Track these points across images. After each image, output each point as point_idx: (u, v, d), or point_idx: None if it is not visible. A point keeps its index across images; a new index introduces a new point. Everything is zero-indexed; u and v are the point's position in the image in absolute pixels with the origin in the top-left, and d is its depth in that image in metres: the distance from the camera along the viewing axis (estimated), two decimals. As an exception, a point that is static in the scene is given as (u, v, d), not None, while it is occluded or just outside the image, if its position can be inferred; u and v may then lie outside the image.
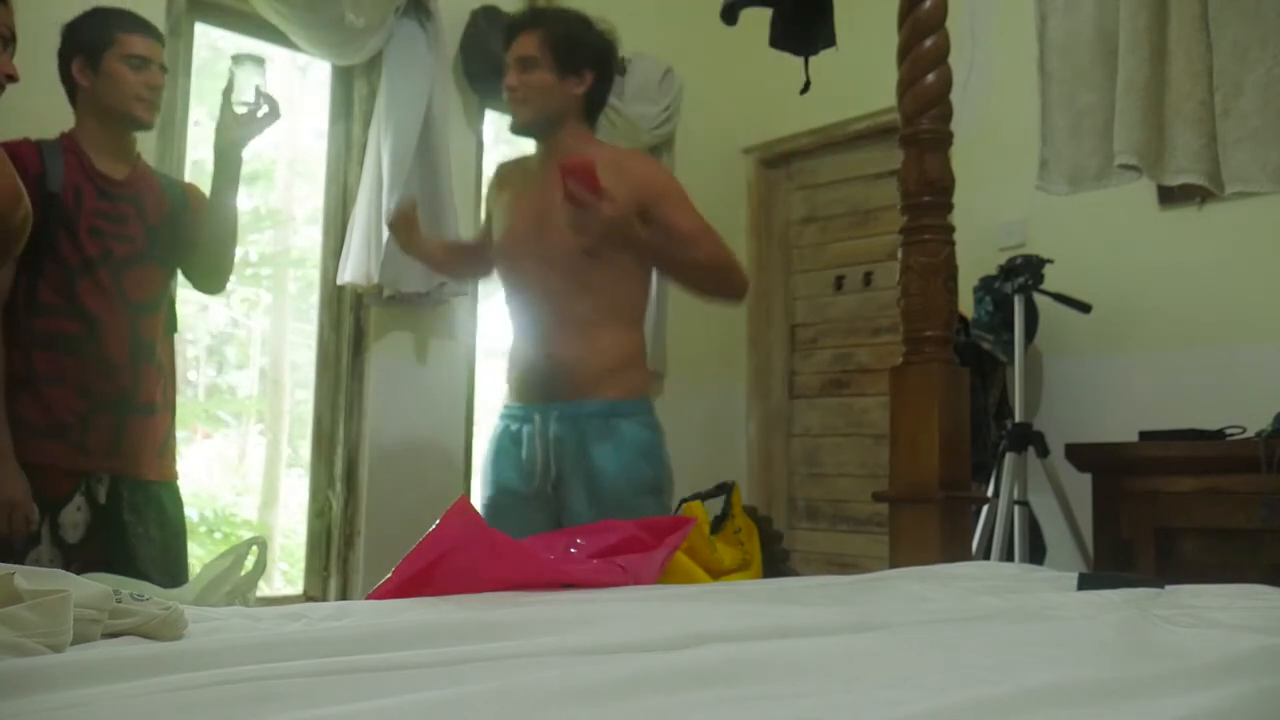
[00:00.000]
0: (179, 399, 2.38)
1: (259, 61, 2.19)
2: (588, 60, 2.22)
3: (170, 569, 2.14)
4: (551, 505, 2.20)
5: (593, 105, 2.29)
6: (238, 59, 2.19)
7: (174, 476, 2.29)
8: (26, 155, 2.04)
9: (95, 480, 2.11)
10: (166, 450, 2.26)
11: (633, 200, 2.11)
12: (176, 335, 2.38)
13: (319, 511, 3.29)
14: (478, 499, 2.32)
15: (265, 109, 2.19)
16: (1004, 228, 3.65)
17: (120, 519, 2.12)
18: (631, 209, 2.09)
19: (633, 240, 2.09)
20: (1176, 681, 0.90)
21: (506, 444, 2.25)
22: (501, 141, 4.30)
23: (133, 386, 2.15)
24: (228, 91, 2.17)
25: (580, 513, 2.15)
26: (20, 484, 1.99)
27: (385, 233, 3.16)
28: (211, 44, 3.41)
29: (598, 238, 2.07)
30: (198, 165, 3.17)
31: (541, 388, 2.20)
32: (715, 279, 2.24)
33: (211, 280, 2.38)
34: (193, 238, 2.29)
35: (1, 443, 1.99)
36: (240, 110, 2.17)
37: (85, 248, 2.11)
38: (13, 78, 1.84)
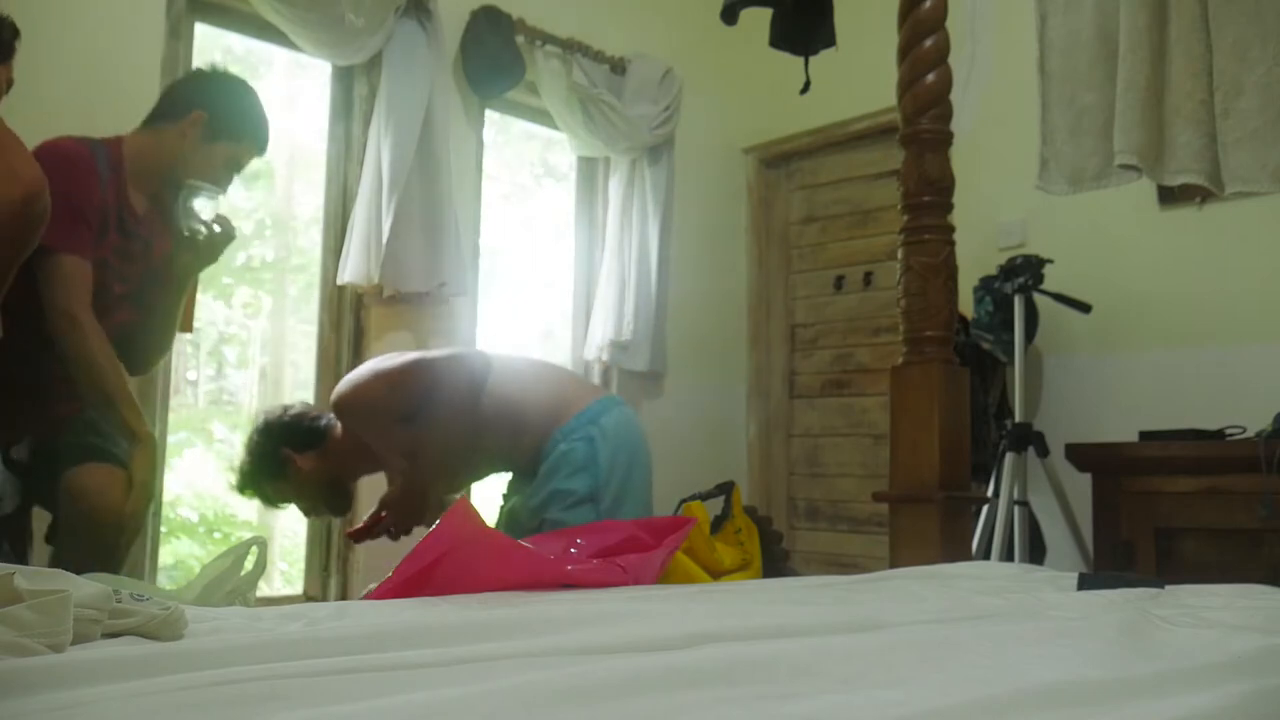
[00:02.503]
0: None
1: (212, 192, 2.15)
2: (301, 441, 2.33)
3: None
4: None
5: (313, 443, 2.34)
6: (190, 187, 2.13)
7: None
8: (88, 160, 2.00)
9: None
10: None
11: (376, 431, 2.26)
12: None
13: (319, 511, 3.29)
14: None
15: (219, 230, 2.15)
16: (1004, 228, 3.65)
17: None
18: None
19: (424, 500, 2.27)
20: (1176, 681, 0.90)
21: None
22: (501, 142, 4.30)
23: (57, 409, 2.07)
24: (182, 214, 2.12)
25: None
26: None
27: (385, 232, 3.17)
28: (225, 47, 3.40)
29: (419, 517, 2.31)
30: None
31: (517, 475, 2.42)
32: (465, 403, 2.25)
33: (139, 361, 2.29)
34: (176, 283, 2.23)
35: None
36: (198, 233, 2.13)
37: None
38: None
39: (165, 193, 2.16)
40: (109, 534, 1.90)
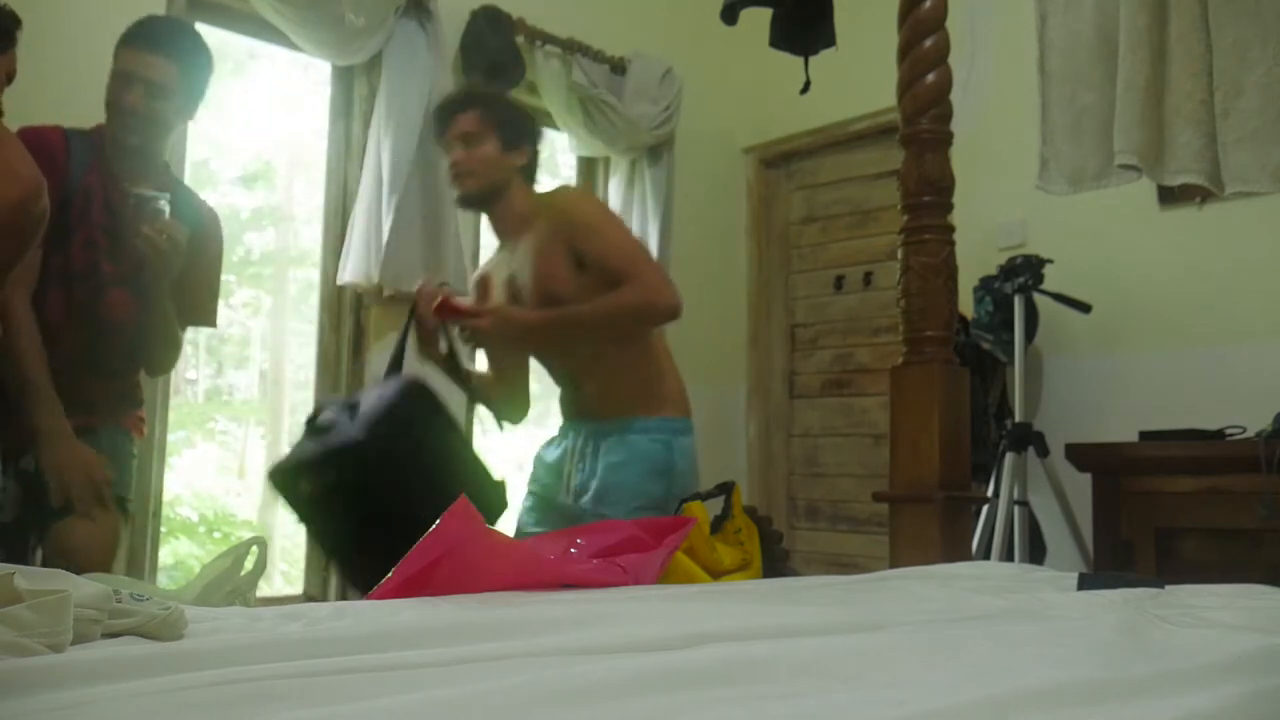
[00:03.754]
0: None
1: (161, 199, 2.04)
2: (526, 136, 2.34)
3: None
4: (573, 514, 2.28)
5: (530, 175, 2.37)
6: (136, 196, 2.02)
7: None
8: (53, 148, 1.96)
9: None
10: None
11: (561, 240, 2.23)
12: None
13: (319, 511, 3.28)
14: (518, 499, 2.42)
15: (165, 237, 2.03)
16: (1004, 228, 3.65)
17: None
18: (561, 251, 2.23)
19: (529, 332, 2.24)
20: (1176, 681, 0.90)
21: (544, 453, 2.43)
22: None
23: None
24: (135, 218, 2.02)
25: (584, 516, 2.22)
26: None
27: (385, 232, 3.16)
28: (226, 46, 3.39)
29: (499, 346, 2.30)
30: (197, 166, 3.16)
31: (574, 409, 2.38)
32: (636, 320, 2.27)
33: (152, 358, 2.26)
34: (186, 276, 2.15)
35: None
36: (141, 245, 2.02)
37: (73, 261, 2.00)
38: None
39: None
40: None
